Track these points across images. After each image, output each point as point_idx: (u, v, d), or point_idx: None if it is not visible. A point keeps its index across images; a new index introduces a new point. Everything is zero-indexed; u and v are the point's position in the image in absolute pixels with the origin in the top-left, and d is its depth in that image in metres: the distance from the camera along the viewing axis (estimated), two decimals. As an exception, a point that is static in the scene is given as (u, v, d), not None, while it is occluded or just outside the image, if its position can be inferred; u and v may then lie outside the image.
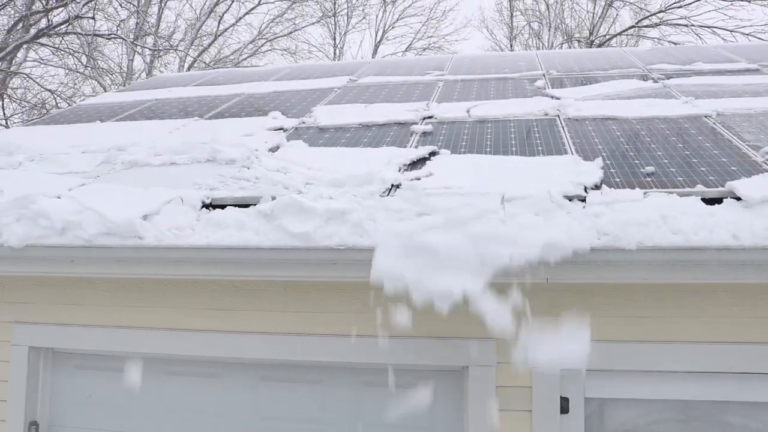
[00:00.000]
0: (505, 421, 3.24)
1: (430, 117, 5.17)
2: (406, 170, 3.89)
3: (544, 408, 3.22)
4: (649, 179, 3.45)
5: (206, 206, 3.62)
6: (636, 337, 3.20)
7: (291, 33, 25.22)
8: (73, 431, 3.90)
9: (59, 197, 3.75)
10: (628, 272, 2.97)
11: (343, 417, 3.57)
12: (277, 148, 4.51)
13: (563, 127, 4.59)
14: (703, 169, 3.54)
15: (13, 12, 16.41)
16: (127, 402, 3.84)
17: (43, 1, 16.52)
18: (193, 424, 3.75)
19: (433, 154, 4.19)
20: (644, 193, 3.21)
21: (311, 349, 3.49)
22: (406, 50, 26.94)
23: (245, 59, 24.12)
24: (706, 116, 4.63)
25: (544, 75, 6.83)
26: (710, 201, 3.12)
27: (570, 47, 22.61)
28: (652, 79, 6.25)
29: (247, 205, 3.53)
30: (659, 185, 3.35)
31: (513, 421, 3.24)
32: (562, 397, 3.23)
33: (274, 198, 3.47)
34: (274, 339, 3.53)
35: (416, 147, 4.35)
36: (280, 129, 5.13)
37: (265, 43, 24.89)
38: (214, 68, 18.96)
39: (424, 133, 4.64)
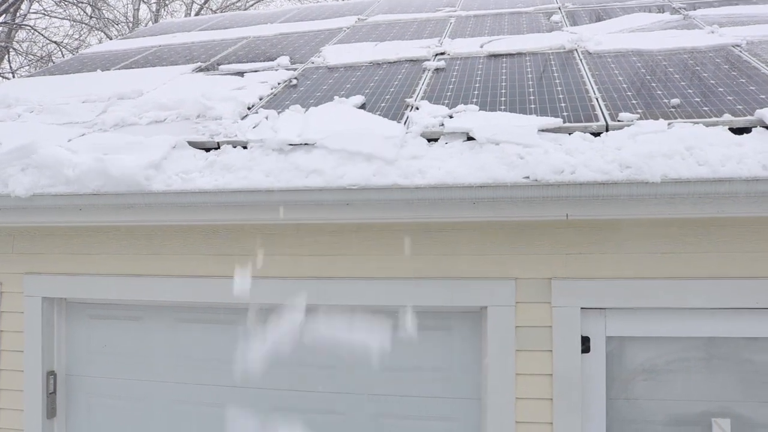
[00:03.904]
0: (524, 361, 3.20)
1: (442, 53, 4.97)
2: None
3: (564, 348, 3.16)
4: (673, 110, 3.29)
5: (212, 149, 3.51)
6: (660, 273, 3.10)
7: (298, -23, 24.54)
8: (90, 380, 3.93)
9: (60, 148, 3.65)
10: (652, 207, 2.86)
11: (360, 359, 3.53)
12: (275, 103, 4.26)
13: (581, 60, 4.40)
14: (730, 98, 3.36)
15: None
16: (142, 350, 3.84)
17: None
18: (208, 372, 3.74)
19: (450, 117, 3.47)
20: (668, 124, 3.06)
21: (328, 292, 3.43)
22: (415, -8, 26.15)
23: (252, 5, 23.60)
24: (733, 45, 4.40)
25: (559, 8, 6.55)
26: (738, 131, 2.97)
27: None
28: (674, 9, 5.97)
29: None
30: (684, 116, 3.19)
31: (533, 361, 3.19)
32: (582, 337, 3.17)
33: None
34: (288, 283, 3.47)
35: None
36: (287, 77, 4.90)
37: (272, -12, 24.29)
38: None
39: (437, 70, 4.47)
